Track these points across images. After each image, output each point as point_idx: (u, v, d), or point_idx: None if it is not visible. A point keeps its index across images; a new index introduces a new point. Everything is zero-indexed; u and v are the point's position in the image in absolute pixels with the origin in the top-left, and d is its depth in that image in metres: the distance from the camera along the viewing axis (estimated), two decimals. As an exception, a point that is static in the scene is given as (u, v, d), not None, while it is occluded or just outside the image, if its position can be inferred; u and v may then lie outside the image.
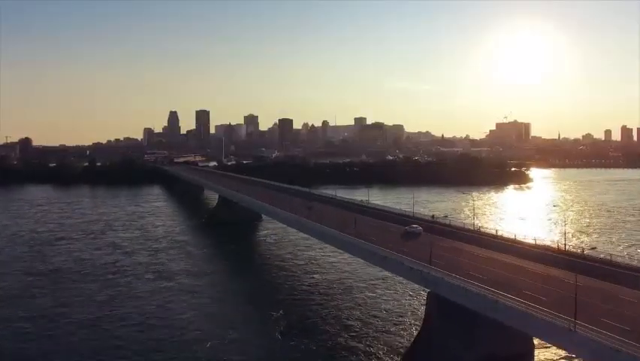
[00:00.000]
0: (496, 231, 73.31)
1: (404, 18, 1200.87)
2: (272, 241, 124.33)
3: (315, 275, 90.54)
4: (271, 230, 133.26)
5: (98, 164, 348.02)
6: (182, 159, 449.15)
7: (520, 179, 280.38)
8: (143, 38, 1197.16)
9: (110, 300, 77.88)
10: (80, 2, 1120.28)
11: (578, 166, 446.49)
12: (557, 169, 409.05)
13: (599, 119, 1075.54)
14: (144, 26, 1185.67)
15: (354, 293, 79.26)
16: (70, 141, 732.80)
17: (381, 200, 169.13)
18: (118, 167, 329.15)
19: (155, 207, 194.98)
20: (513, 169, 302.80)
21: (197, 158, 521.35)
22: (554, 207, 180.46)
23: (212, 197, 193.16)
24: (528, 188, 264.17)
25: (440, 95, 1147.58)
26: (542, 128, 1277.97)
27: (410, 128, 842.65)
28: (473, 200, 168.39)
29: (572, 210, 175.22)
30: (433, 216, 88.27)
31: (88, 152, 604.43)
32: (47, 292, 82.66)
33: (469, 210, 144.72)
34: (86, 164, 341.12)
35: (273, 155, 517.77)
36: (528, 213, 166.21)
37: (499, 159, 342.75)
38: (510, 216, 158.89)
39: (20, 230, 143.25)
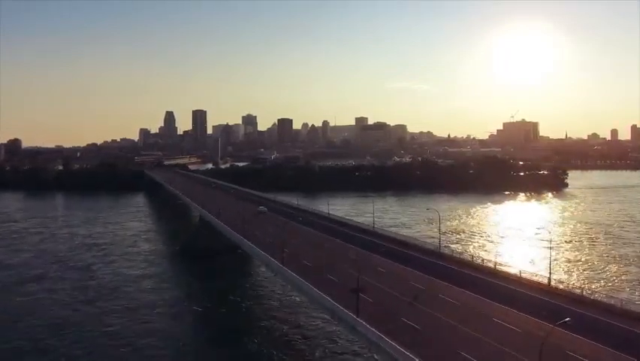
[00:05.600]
0: None
1: (404, 18, 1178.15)
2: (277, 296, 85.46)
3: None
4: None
5: (76, 166, 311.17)
6: (174, 162, 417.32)
7: (556, 185, 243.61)
8: (141, 38, 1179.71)
9: None
10: (79, 2, 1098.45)
11: (599, 168, 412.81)
12: (580, 171, 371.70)
13: (599, 119, 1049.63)
14: (142, 26, 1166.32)
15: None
16: (68, 142, 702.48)
17: (452, 217, 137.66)
18: (98, 171, 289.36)
19: (130, 225, 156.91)
20: (546, 172, 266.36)
21: (192, 160, 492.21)
22: None
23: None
24: (574, 196, 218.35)
25: (440, 95, 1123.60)
26: (547, 128, 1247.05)
27: (411, 128, 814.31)
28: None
29: None
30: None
31: (79, 153, 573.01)
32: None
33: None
34: (60, 167, 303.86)
35: (272, 156, 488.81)
36: None
37: (530, 161, 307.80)
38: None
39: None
